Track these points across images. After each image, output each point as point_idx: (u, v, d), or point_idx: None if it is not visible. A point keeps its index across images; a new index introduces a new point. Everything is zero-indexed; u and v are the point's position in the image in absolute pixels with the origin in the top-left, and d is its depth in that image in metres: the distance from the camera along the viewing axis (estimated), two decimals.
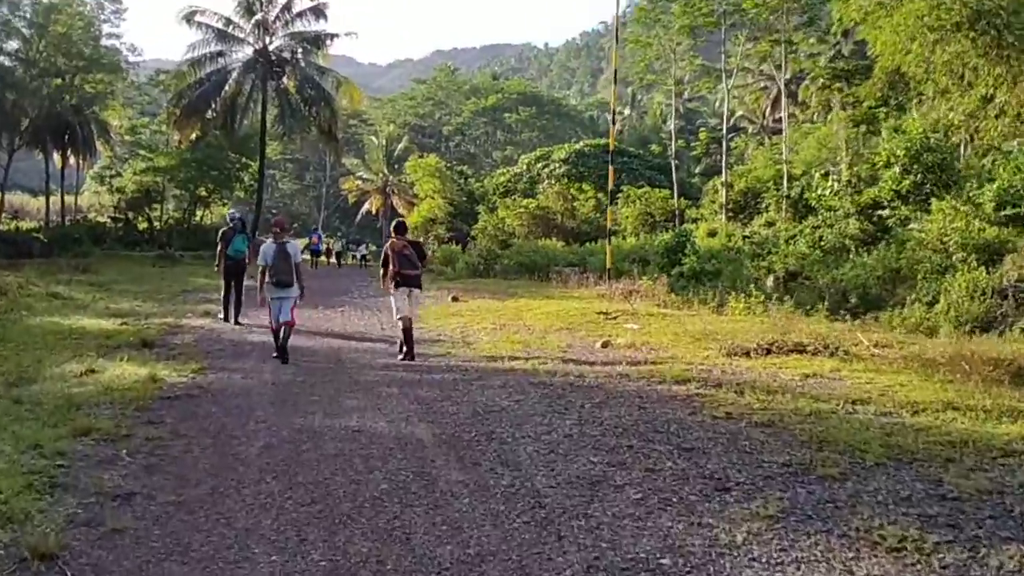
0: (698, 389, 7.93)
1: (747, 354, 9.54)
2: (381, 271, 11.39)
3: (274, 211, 73.35)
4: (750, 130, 64.68)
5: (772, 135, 62.54)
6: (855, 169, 34.93)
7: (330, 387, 8.81)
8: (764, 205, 40.09)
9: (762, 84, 62.30)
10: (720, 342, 10.28)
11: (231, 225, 15.02)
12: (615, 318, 12.97)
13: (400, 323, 10.68)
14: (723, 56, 43.34)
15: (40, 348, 11.44)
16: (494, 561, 4.18)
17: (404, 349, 10.59)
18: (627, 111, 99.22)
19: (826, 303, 17.54)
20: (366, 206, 70.70)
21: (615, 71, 22.65)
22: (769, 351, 9.56)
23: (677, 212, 43.76)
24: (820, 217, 32.41)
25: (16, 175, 65.68)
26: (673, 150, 47.75)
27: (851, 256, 25.52)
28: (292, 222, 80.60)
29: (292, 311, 10.71)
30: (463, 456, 6.02)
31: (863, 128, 39.99)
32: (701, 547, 4.28)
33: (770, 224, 37.32)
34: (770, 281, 23.23)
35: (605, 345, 10.76)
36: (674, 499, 4.97)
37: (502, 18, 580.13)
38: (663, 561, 4.12)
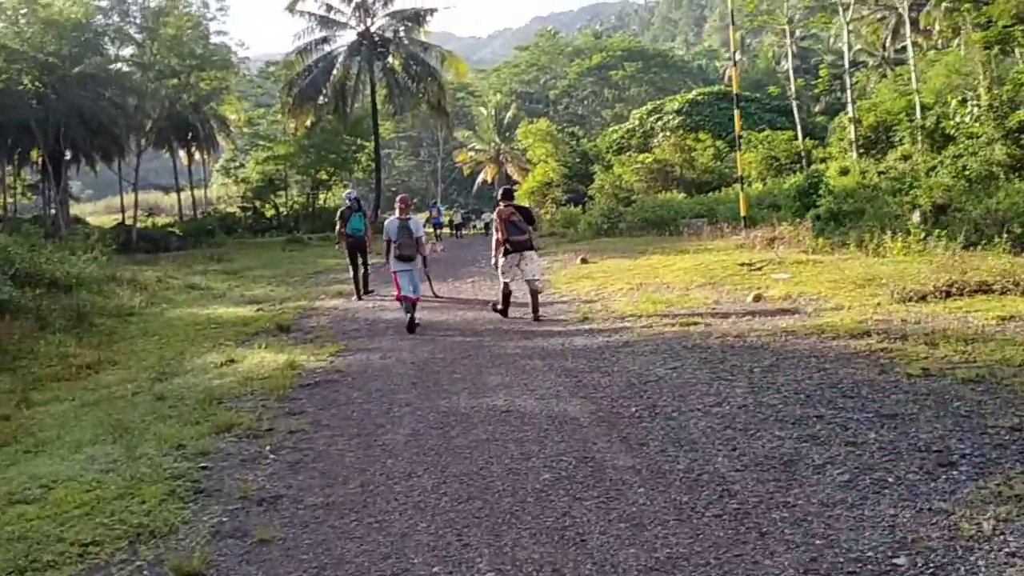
0: (881, 343, 6.88)
1: (923, 298, 8.46)
2: (493, 239, 11.64)
3: (393, 189, 74.30)
4: (870, 63, 61.02)
5: (894, 67, 58.88)
6: (996, 92, 32.28)
7: (471, 363, 8.37)
8: (898, 138, 37.62)
9: (879, 15, 58.66)
10: (888, 287, 9.20)
11: (348, 205, 15.32)
12: (760, 269, 12.02)
13: (503, 287, 11.19)
14: None
15: (181, 340, 11.56)
16: (688, 567, 3.55)
17: (500, 307, 11.19)
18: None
19: (962, 236, 16.12)
20: (481, 176, 70.86)
21: (731, 10, 21.23)
22: (949, 293, 8.45)
23: (804, 153, 41.67)
24: (961, 145, 30.14)
25: (149, 174, 69.04)
26: (793, 90, 45.28)
27: (1001, 184, 23.56)
28: (412, 197, 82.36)
29: (421, 284, 11.40)
30: (627, 436, 5.39)
31: (996, 49, 36.96)
32: (940, 541, 3.50)
33: (906, 157, 34.93)
34: (916, 216, 21.53)
35: (757, 299, 9.87)
36: (890, 479, 4.16)
37: None
38: (898, 561, 3.37)
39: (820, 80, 56.17)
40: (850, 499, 3.97)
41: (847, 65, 42.77)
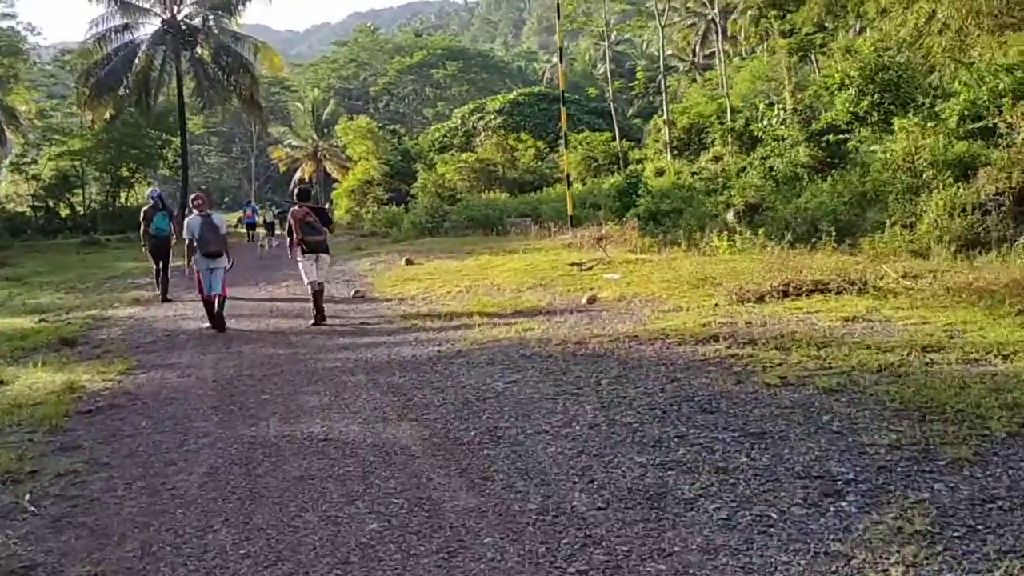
0: (729, 348, 6.51)
1: (761, 299, 8.27)
2: (288, 240, 11.70)
3: (203, 187, 70.44)
4: (680, 68, 63.74)
5: (703, 72, 61.78)
6: (799, 96, 34.16)
7: (283, 380, 7.37)
8: (709, 140, 39.20)
9: (689, 21, 61.35)
10: (722, 287, 9.02)
11: (152, 203, 14.69)
12: (590, 268, 11.68)
13: (309, 288, 10.71)
14: None
15: None
16: None
17: (315, 314, 10.56)
18: (554, 58, 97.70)
19: (789, 233, 16.67)
20: (298, 173, 68.28)
21: (558, 9, 21.07)
22: (786, 293, 8.30)
23: (621, 154, 42.67)
24: (768, 148, 31.63)
25: None
26: (610, 92, 46.35)
27: (805, 184, 24.75)
28: (223, 196, 78.37)
29: (224, 282, 10.75)
30: (468, 467, 4.62)
31: (797, 56, 39.24)
32: None
33: (718, 159, 36.45)
34: (730, 216, 22.25)
35: (592, 301, 9.44)
36: (773, 514, 3.63)
37: None
38: None
39: (637, 83, 58.10)
40: (733, 542, 3.39)
41: (662, 69, 44.22)
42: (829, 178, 23.39)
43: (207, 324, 10.61)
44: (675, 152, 39.57)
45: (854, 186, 19.94)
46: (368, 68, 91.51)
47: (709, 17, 62.66)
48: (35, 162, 46.34)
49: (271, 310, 11.91)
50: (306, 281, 10.81)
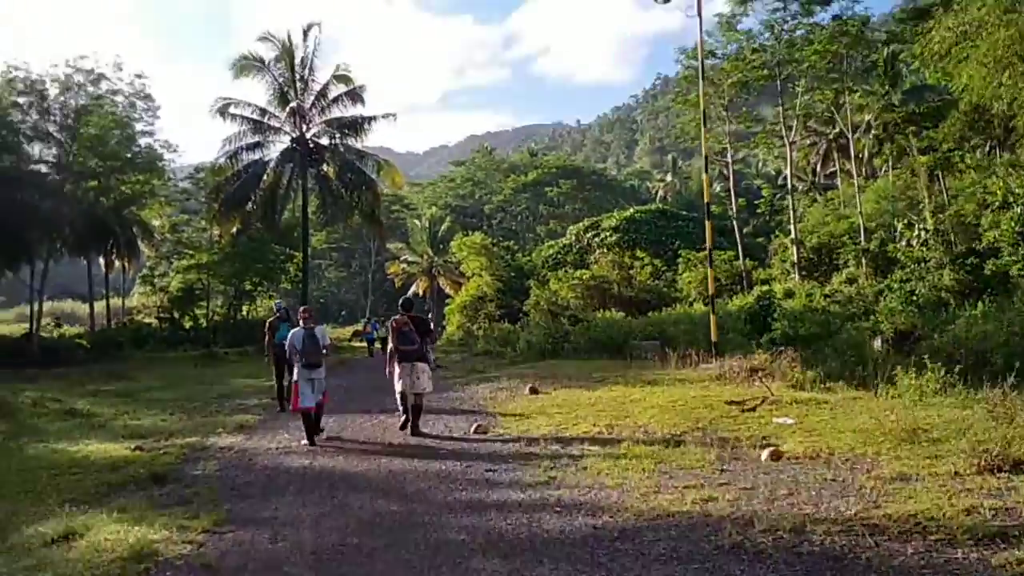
0: None
1: (1018, 466, 6.31)
2: (388, 350, 12.17)
3: (321, 300, 71.70)
4: (799, 188, 61.84)
5: (824, 191, 59.72)
6: (941, 216, 31.89)
7: (396, 558, 5.80)
8: (841, 261, 36.95)
9: (810, 140, 59.76)
10: (948, 445, 7.09)
11: (277, 315, 15.29)
12: (754, 409, 9.89)
13: (399, 397, 11.41)
14: (781, 109, 40.61)
15: (20, 492, 8.74)
16: None
17: (404, 419, 11.30)
18: (668, 177, 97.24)
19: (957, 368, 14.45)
20: (413, 289, 68.71)
21: (703, 112, 19.87)
22: None
23: (744, 274, 40.74)
24: (908, 270, 29.30)
25: (70, 282, 65.12)
26: (734, 210, 44.74)
27: (952, 311, 22.39)
28: (340, 309, 79.34)
29: (324, 392, 11.42)
30: None
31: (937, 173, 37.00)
32: None
33: (851, 281, 34.15)
34: (877, 344, 20.03)
35: (775, 457, 7.57)
36: None
37: (533, 101, 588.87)
38: None
39: (763, 200, 56.44)
40: None
41: (790, 186, 42.53)
42: (980, 304, 21.06)
43: (305, 441, 10.84)
44: (803, 273, 37.42)
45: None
46: (484, 187, 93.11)
47: (831, 136, 61.28)
48: (165, 275, 47.77)
49: (385, 445, 10.50)
50: (397, 390, 11.38)
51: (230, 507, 7.57)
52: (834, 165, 65.08)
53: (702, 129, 18.20)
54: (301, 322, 11.43)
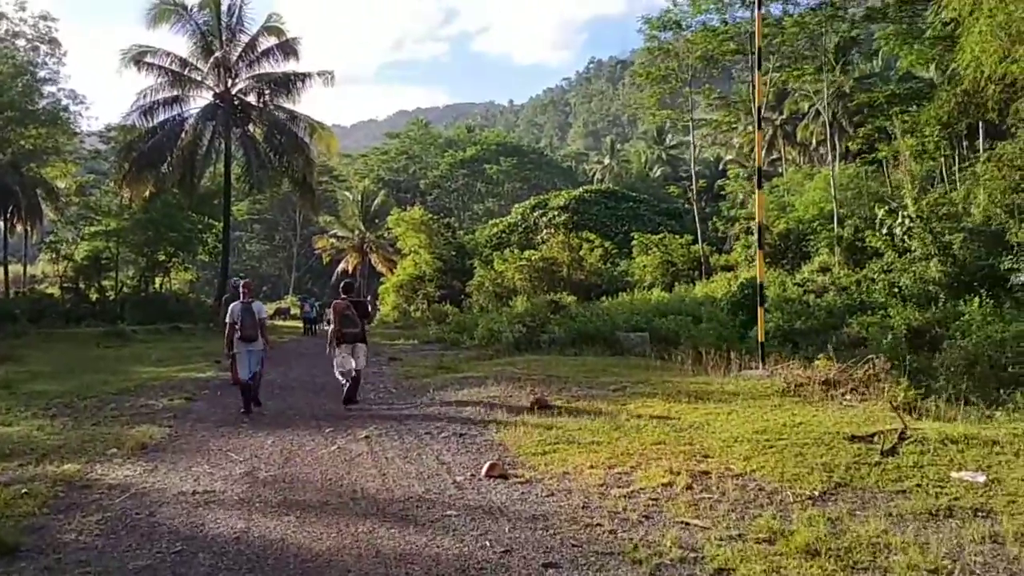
0: None
1: None
2: (328, 331, 13.11)
3: (241, 274, 67.05)
4: (741, 174, 60.16)
5: (768, 178, 58.06)
6: (924, 202, 29.94)
7: None
8: (812, 248, 34.79)
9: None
10: None
11: (232, 292, 14.49)
12: (894, 451, 6.93)
13: (341, 377, 12.15)
14: (751, 87, 38.07)
15: None
16: None
17: (346, 396, 11.94)
18: (607, 159, 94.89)
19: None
20: (341, 265, 64.96)
21: (757, 52, 16.83)
22: None
23: (703, 259, 38.36)
24: (888, 260, 27.23)
25: None
26: (695, 191, 42.29)
27: (942, 305, 20.24)
28: (261, 284, 74.88)
29: (262, 362, 12.00)
30: None
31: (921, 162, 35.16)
32: None
33: (825, 269, 32.00)
34: (887, 341, 17.56)
35: None
36: None
37: (467, 80, 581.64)
38: None
39: (730, 180, 54.30)
40: None
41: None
42: (976, 300, 18.81)
43: (243, 410, 11.51)
44: (768, 260, 35.13)
45: None
46: (419, 161, 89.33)
47: (777, 122, 59.51)
48: (71, 242, 43.02)
49: (358, 495, 7.18)
50: (337, 372, 12.25)
51: None
52: (778, 152, 63.73)
53: (755, 73, 15.01)
54: (241, 295, 11.82)
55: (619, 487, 6.61)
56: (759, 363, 12.62)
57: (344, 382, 12.05)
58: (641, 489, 6.47)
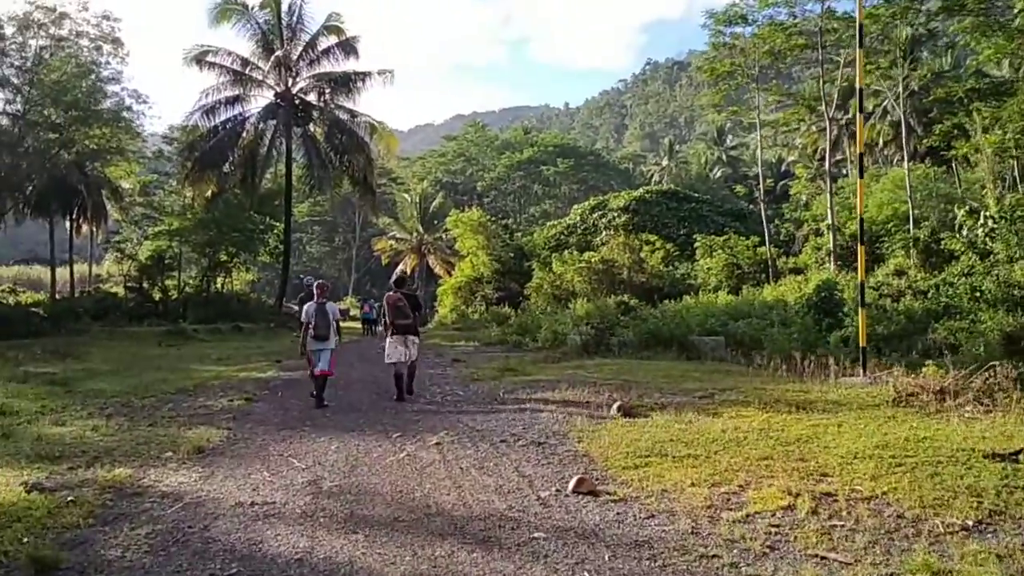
0: None
1: None
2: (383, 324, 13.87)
3: (301, 276, 67.30)
4: (803, 177, 58.42)
5: (833, 180, 56.28)
6: (1007, 202, 28.44)
7: None
8: (887, 250, 33.36)
9: (821, 126, 56.32)
10: None
11: (307, 291, 15.17)
12: None
13: (392, 368, 12.47)
14: (820, 81, 36.72)
15: None
16: None
17: (397, 392, 12.34)
18: (665, 161, 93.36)
19: None
20: (400, 267, 64.74)
21: (859, 28, 15.71)
22: None
23: (770, 262, 37.07)
24: (968, 263, 25.80)
25: (38, 246, 60.15)
26: (762, 190, 40.99)
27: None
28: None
29: (332, 362, 12.25)
30: None
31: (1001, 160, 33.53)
32: None
33: (900, 272, 30.53)
34: (976, 348, 16.38)
35: None
36: None
37: (523, 83, 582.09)
38: None
39: (797, 181, 52.82)
40: None
41: (828, 167, 38.75)
42: None
43: (318, 403, 11.91)
44: (839, 263, 33.78)
45: None
46: (476, 163, 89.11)
47: (842, 122, 57.70)
48: (135, 241, 43.42)
49: (423, 509, 6.49)
50: (387, 361, 12.48)
51: None
52: (842, 153, 61.82)
53: (857, 51, 13.93)
54: (316, 296, 12.36)
55: (730, 509, 5.81)
56: (860, 370, 11.67)
57: (395, 372, 12.34)
58: (757, 513, 5.66)
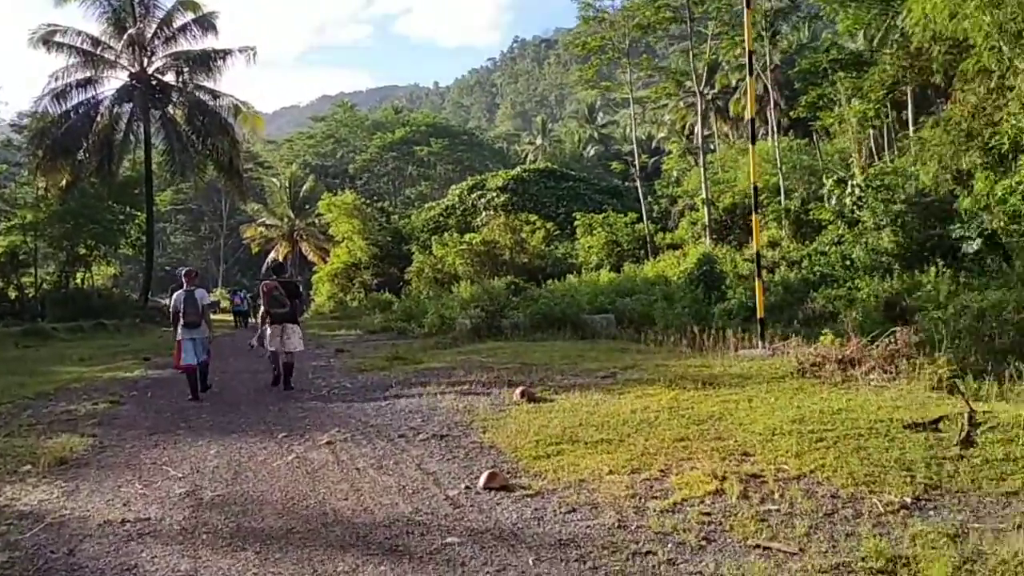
0: None
1: None
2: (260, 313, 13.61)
3: (167, 268, 64.19)
4: (674, 152, 59.81)
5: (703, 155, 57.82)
6: (872, 171, 29.64)
7: None
8: (761, 221, 34.30)
9: (689, 101, 57.65)
10: None
11: (178, 282, 14.46)
12: (969, 440, 5.90)
13: (270, 357, 12.51)
14: (690, 54, 37.31)
15: None
16: None
17: (275, 376, 12.35)
18: (539, 140, 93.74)
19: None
20: (271, 255, 62.54)
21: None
22: None
23: (648, 238, 37.60)
24: (837, 231, 26.77)
25: None
26: (637, 167, 41.45)
27: (896, 275, 19.82)
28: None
29: (208, 351, 12.11)
30: None
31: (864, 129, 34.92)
32: None
33: (773, 244, 31.44)
34: (855, 315, 16.87)
35: None
36: None
37: (391, 63, 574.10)
38: None
39: (669, 157, 53.69)
40: None
41: (701, 144, 39.50)
42: (933, 270, 18.32)
43: (190, 397, 11.50)
44: (714, 236, 34.54)
45: None
46: (346, 144, 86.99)
47: (709, 96, 59.20)
48: None
49: (325, 515, 5.88)
50: (268, 350, 12.29)
51: None
52: (710, 128, 63.47)
53: (745, 11, 13.75)
54: (185, 283, 11.82)
55: (655, 498, 5.47)
56: (759, 342, 11.66)
57: (273, 365, 12.24)
58: (685, 500, 5.33)
